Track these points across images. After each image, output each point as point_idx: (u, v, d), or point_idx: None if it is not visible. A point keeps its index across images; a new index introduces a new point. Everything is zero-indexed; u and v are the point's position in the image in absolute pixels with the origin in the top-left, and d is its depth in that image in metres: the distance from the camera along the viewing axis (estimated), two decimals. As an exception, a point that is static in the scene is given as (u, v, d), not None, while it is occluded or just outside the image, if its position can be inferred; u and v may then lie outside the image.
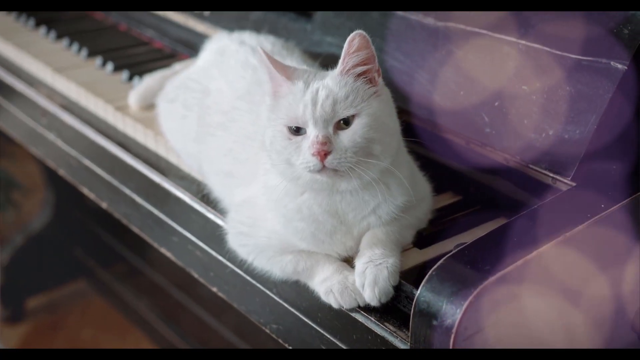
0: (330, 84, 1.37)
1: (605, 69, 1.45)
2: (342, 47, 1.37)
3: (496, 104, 1.56)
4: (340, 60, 1.38)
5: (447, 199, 1.64)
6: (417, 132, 1.64)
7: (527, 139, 1.51)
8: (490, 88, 1.58)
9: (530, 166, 1.50)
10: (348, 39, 1.35)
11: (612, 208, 1.36)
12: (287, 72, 1.40)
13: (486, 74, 1.59)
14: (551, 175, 1.48)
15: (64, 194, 3.38)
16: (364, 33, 1.35)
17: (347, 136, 1.35)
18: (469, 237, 1.51)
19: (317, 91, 1.36)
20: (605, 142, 1.44)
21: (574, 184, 1.44)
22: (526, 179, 1.52)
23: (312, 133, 1.34)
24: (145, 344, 3.24)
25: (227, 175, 1.58)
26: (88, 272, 3.50)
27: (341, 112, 1.35)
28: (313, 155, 1.33)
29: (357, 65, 1.38)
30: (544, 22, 1.56)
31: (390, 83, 1.73)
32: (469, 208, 1.61)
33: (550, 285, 1.29)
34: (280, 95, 1.40)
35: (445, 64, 1.65)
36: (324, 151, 1.33)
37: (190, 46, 2.30)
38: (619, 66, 1.44)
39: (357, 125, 1.36)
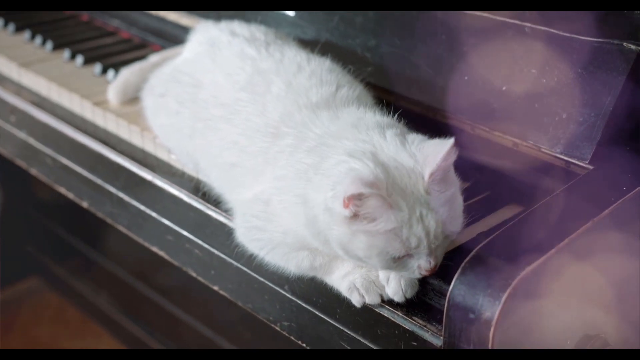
0: (432, 203, 1.25)
1: (618, 50, 1.44)
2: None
3: (504, 88, 1.54)
4: (427, 175, 1.25)
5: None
6: (420, 118, 1.62)
7: (538, 123, 1.50)
8: (496, 72, 1.56)
9: (543, 150, 1.49)
10: (444, 151, 1.24)
11: (636, 190, 1.35)
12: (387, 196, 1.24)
13: (491, 58, 1.57)
14: (566, 159, 1.46)
15: (12, 190, 3.28)
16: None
17: (447, 242, 1.30)
18: (482, 225, 1.50)
19: (425, 220, 1.25)
20: (622, 123, 1.43)
21: (590, 168, 1.43)
22: (538, 163, 1.51)
23: (424, 260, 1.27)
24: (106, 339, 3.18)
25: (232, 167, 1.51)
26: (42, 268, 3.42)
27: (447, 231, 1.28)
28: (422, 275, 1.29)
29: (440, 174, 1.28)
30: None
31: (387, 69, 1.70)
32: (478, 195, 1.59)
33: (583, 273, 1.29)
34: (371, 221, 1.24)
35: (447, 47, 1.63)
36: (435, 269, 1.29)
37: (161, 36, 2.23)
38: (632, 47, 1.43)
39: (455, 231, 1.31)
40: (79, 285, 3.31)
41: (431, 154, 1.27)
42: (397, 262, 1.27)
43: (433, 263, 1.27)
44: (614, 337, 1.34)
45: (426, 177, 1.26)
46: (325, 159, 1.32)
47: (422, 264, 1.27)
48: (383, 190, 1.23)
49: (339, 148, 1.32)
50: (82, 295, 3.28)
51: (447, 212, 1.27)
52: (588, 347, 1.31)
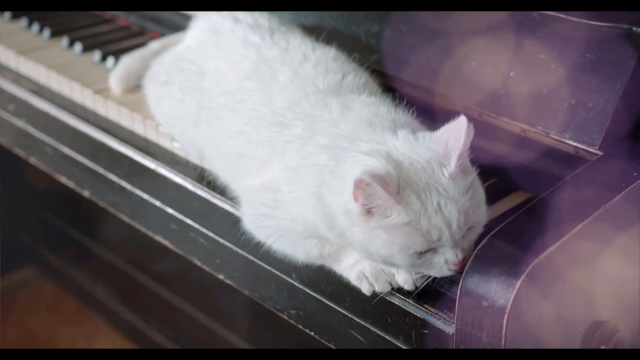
0: (452, 192, 1.23)
1: (627, 34, 1.44)
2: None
3: (511, 74, 1.53)
4: (455, 158, 1.23)
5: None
6: (426, 105, 1.60)
7: (547, 108, 1.49)
8: (504, 58, 1.55)
9: (552, 136, 1.48)
10: (463, 130, 1.23)
11: (646, 175, 1.35)
12: (395, 192, 1.21)
13: (499, 43, 1.56)
14: (574, 144, 1.46)
15: (9, 179, 3.26)
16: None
17: (473, 234, 1.27)
18: (492, 212, 1.48)
19: (445, 209, 1.22)
20: (631, 108, 1.42)
21: (600, 153, 1.42)
22: (547, 149, 1.50)
23: (450, 252, 1.24)
24: (102, 328, 3.17)
25: (239, 157, 1.50)
26: (38, 258, 3.40)
27: (471, 221, 1.25)
28: (451, 270, 1.25)
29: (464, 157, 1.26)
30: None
31: (392, 55, 1.69)
32: (486, 182, 1.58)
33: (596, 259, 1.28)
34: (385, 216, 1.23)
35: (454, 33, 1.62)
36: (465, 264, 1.24)
37: (160, 23, 2.21)
38: (642, 31, 1.43)
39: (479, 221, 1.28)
40: (75, 275, 3.29)
41: (451, 139, 1.25)
42: (421, 258, 1.25)
43: (461, 256, 1.24)
44: (624, 323, 1.33)
45: (453, 162, 1.23)
46: (341, 163, 1.30)
47: (449, 258, 1.24)
48: (392, 186, 1.21)
49: (354, 150, 1.30)
50: (78, 284, 3.27)
51: (468, 201, 1.24)
52: (598, 333, 1.30)
